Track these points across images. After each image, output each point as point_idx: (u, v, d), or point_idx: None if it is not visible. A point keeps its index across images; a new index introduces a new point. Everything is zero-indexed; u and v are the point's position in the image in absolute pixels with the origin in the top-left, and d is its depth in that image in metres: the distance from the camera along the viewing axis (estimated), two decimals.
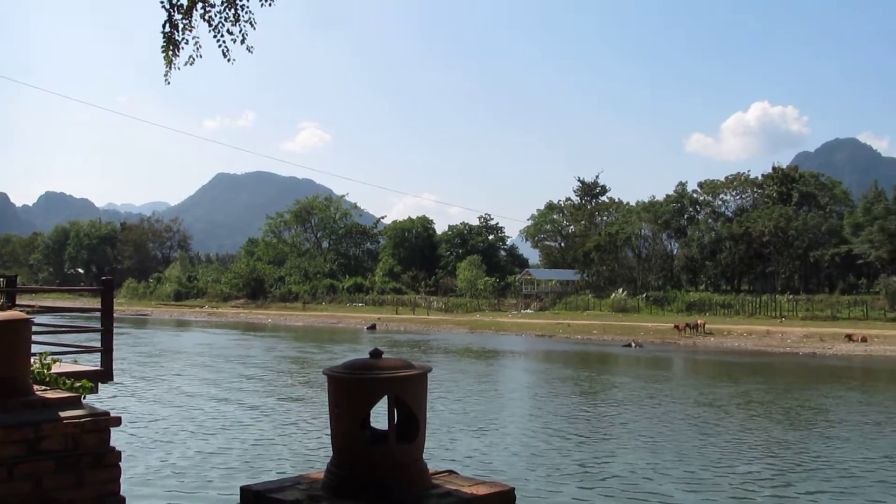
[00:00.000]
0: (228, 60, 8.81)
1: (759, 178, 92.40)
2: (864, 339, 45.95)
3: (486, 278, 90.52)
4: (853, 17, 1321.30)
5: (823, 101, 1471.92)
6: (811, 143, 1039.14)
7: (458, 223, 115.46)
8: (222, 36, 8.47)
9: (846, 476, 14.43)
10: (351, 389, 3.78)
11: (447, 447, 16.42)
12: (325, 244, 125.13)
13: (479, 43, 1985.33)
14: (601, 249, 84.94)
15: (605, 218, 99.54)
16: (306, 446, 16.50)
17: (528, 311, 78.97)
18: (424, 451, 3.91)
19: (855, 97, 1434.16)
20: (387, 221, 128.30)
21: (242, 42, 8.60)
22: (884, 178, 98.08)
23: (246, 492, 3.77)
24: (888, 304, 60.79)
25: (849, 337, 46.43)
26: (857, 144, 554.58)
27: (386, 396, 3.75)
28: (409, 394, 3.77)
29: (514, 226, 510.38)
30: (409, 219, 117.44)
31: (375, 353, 3.86)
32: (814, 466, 15.23)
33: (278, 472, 13.11)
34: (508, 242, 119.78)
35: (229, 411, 21.15)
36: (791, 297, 69.74)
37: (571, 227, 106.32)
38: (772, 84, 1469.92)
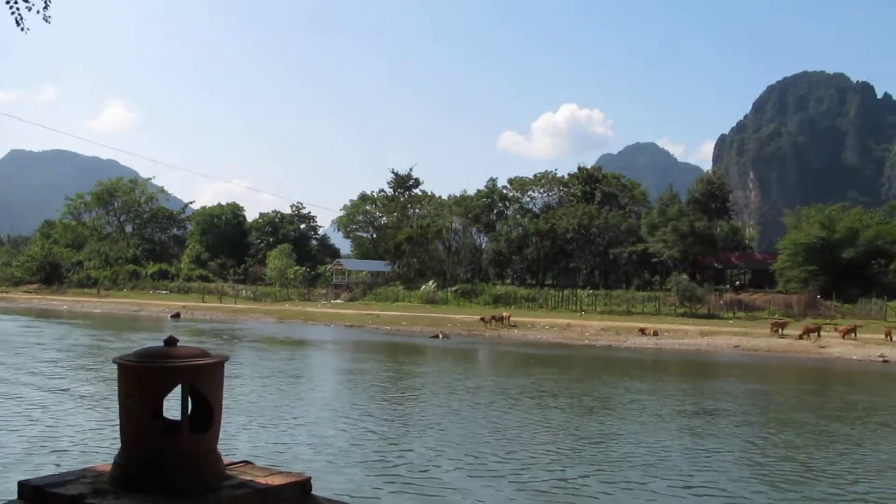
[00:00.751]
0: (22, 30, 8.47)
1: (566, 177, 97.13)
2: (655, 333, 49.24)
3: (297, 267, 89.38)
4: (657, 30, 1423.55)
5: (627, 107, 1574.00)
6: (614, 145, 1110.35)
7: (270, 211, 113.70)
8: (16, 3, 8.14)
9: (617, 460, 15.22)
10: (143, 378, 3.60)
11: (244, 438, 15.99)
12: (128, 229, 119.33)
13: (295, 26, 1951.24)
14: (412, 242, 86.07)
15: (417, 210, 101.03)
16: (94, 439, 15.29)
17: (338, 301, 78.59)
18: (220, 441, 3.78)
19: (655, 105, 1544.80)
20: (195, 207, 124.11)
21: (39, 11, 8.26)
22: (679, 181, 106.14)
23: (24, 486, 3.49)
24: (678, 301, 65.79)
25: (642, 331, 49.67)
26: (656, 149, 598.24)
27: (180, 386, 3.61)
28: (204, 383, 3.64)
29: (326, 215, 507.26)
30: (219, 205, 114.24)
31: (170, 341, 3.70)
32: (591, 452, 15.96)
33: (61, 467, 12.14)
34: (321, 232, 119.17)
35: (11, 405, 19.28)
36: (591, 292, 73.77)
37: (384, 218, 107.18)
38: (580, 88, 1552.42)
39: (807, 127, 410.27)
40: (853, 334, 51.39)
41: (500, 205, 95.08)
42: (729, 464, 15.38)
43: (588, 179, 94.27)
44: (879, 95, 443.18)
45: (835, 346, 48.58)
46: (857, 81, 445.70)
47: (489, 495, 12.49)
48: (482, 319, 55.32)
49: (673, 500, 12.62)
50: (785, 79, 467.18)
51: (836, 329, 53.33)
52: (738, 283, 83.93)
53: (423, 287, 77.92)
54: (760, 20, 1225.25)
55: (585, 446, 16.53)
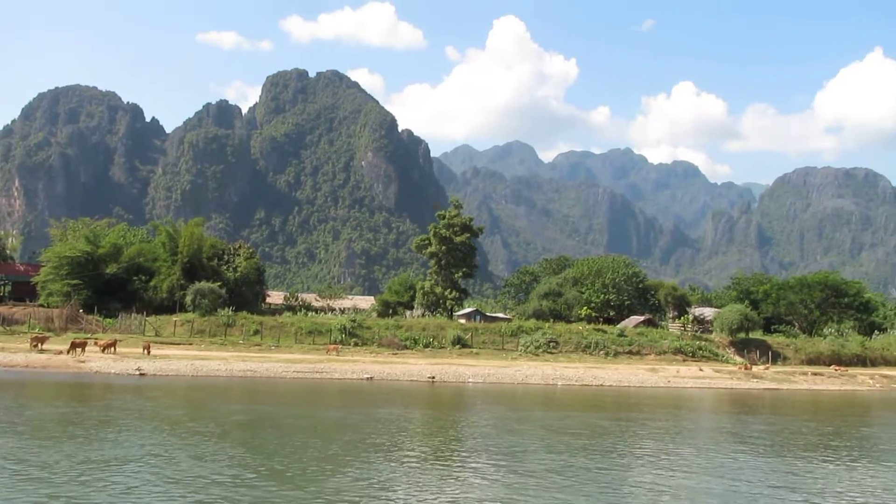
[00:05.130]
0: None
1: None
2: None
3: None
4: None
5: None
6: None
7: None
8: None
9: None
10: None
11: None
12: None
13: None
14: None
15: None
16: None
17: None
18: None
19: None
20: None
21: None
22: None
23: None
24: None
25: None
26: None
27: None
28: None
29: None
30: None
31: None
32: None
33: None
34: None
35: None
36: None
37: None
38: None
39: (77, 140, 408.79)
40: (113, 349, 52.85)
41: None
42: None
43: None
44: (148, 119, 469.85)
45: (95, 360, 49.20)
46: (128, 102, 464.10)
47: None
48: None
49: None
50: (57, 88, 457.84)
51: (96, 343, 54.10)
52: None
53: None
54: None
55: None
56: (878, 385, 63.74)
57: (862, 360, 75.51)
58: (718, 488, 23.12)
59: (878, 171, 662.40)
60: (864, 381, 64.87)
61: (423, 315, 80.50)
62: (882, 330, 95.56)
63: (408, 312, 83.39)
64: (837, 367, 70.10)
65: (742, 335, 76.02)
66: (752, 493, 22.51)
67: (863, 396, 57.73)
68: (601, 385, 54.57)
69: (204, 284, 70.16)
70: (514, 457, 26.29)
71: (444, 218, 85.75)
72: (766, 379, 61.59)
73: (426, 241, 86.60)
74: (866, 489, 23.92)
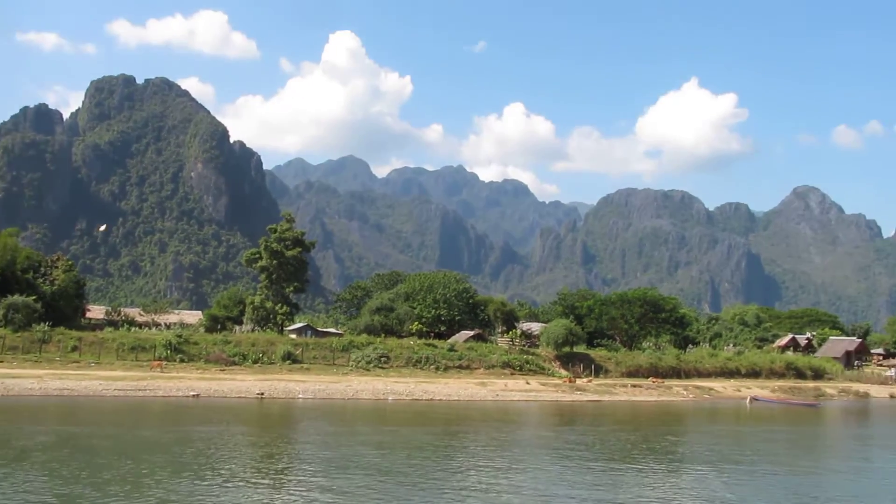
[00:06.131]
0: None
1: None
2: None
3: None
4: None
5: None
6: None
7: None
8: None
9: None
10: None
11: None
12: None
13: None
14: None
15: None
16: None
17: None
18: None
19: None
20: None
21: None
22: None
23: None
24: None
25: None
26: None
27: None
28: None
29: None
30: None
31: None
32: None
33: None
34: None
35: None
36: None
37: None
38: None
39: None
40: None
41: None
42: None
43: None
44: None
45: None
46: None
47: None
48: None
49: None
50: None
51: None
52: None
53: None
54: None
55: None
56: (690, 396, 69.36)
57: (677, 373, 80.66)
58: (529, 492, 25.06)
59: (694, 194, 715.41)
60: (678, 392, 70.38)
61: (252, 330, 79.35)
62: (695, 343, 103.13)
63: (237, 327, 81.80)
64: (655, 379, 75.10)
65: (567, 349, 79.57)
66: (560, 497, 24.56)
67: (677, 406, 62.75)
68: (431, 399, 56.19)
69: (17, 298, 66.16)
70: (326, 474, 26.93)
71: (275, 232, 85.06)
72: (589, 391, 65.53)
73: (257, 255, 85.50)
74: (658, 491, 26.76)
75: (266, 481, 25.24)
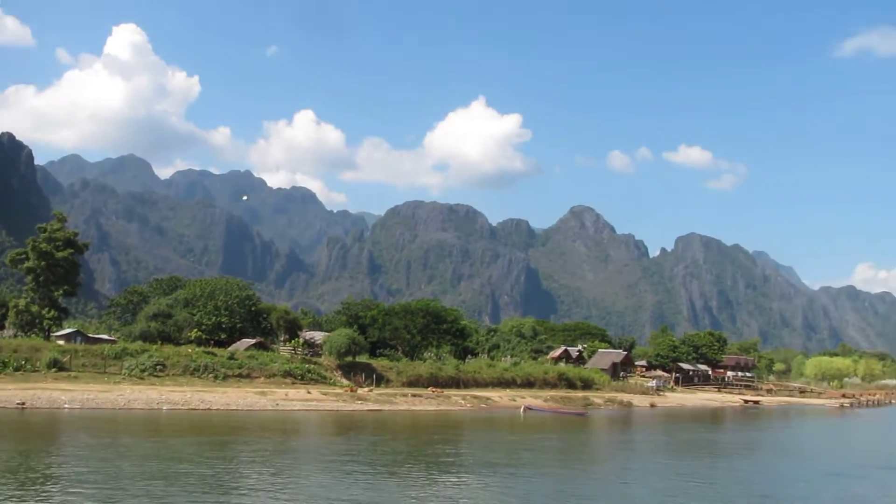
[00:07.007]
0: None
1: None
2: None
3: None
4: None
5: None
6: None
7: None
8: None
9: None
10: None
11: None
12: None
13: None
14: None
15: None
16: None
17: None
18: None
19: None
20: None
21: None
22: None
23: None
24: None
25: None
26: None
27: None
28: None
29: None
30: None
31: None
32: None
33: None
34: None
35: None
36: None
37: None
38: None
39: None
40: None
41: None
42: None
43: None
44: None
45: None
46: None
47: None
48: None
49: None
50: None
51: None
52: None
53: None
54: None
55: None
56: (468, 405, 72.12)
57: (456, 382, 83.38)
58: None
59: (478, 209, 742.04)
60: (457, 401, 72.95)
61: (15, 336, 73.17)
62: (474, 354, 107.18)
63: None
64: (434, 389, 77.41)
65: (350, 359, 79.93)
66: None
67: (455, 415, 65.04)
68: (209, 409, 54.56)
69: None
70: (64, 489, 25.51)
71: (45, 231, 78.80)
72: (370, 401, 66.36)
73: (23, 255, 78.81)
74: (410, 493, 27.98)
75: None
